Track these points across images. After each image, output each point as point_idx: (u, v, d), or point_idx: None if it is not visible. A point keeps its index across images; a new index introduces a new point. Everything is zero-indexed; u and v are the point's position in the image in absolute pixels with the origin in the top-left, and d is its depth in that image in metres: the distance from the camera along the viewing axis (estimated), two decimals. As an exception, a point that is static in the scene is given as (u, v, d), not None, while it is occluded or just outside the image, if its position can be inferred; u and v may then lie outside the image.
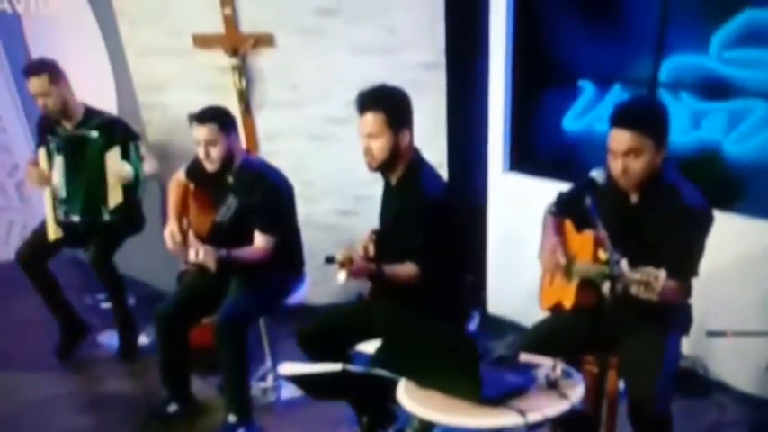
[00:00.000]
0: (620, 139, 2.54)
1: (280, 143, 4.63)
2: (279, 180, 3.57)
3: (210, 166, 3.46)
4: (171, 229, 3.53)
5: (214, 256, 3.27)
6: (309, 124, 4.61)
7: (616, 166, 2.58)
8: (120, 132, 4.15)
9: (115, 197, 4.09)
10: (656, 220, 2.60)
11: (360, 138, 2.98)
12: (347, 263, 2.78)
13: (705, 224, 2.57)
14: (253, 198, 3.44)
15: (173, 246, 3.49)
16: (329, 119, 4.43)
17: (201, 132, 3.40)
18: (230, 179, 3.52)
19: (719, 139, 3.79)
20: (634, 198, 2.69)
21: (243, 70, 4.51)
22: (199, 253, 3.24)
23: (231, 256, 3.35)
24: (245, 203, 3.45)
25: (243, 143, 3.85)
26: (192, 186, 3.66)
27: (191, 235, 3.51)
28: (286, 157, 4.15)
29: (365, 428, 3.13)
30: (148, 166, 4.20)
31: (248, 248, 3.47)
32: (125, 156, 4.10)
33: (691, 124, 3.88)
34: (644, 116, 2.59)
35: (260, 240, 3.48)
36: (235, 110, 4.26)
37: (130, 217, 4.24)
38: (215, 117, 3.41)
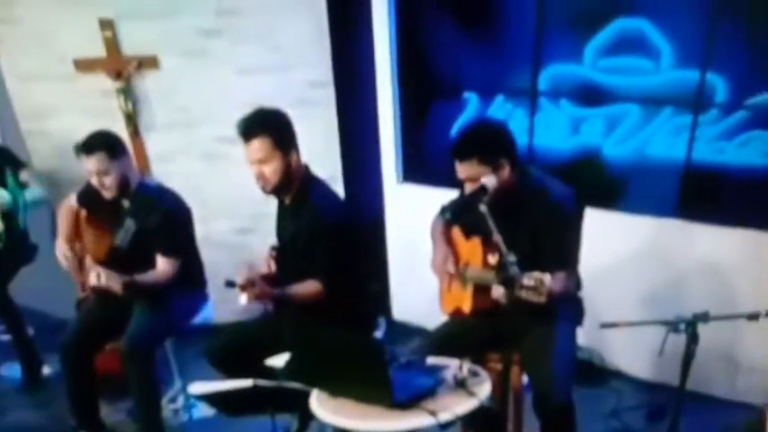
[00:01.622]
0: (460, 170, 2.66)
1: (171, 164, 4.55)
2: (176, 202, 3.51)
3: (108, 194, 3.36)
4: (61, 249, 3.40)
5: (118, 280, 3.19)
6: (200, 144, 4.56)
7: (469, 186, 2.65)
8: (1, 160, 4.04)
9: None
10: (529, 219, 2.68)
11: (249, 165, 2.95)
12: (248, 285, 2.76)
13: (573, 215, 2.68)
14: (151, 221, 3.36)
15: (66, 264, 3.37)
16: (220, 138, 4.39)
17: (91, 163, 3.28)
18: (126, 202, 3.43)
19: (599, 143, 3.95)
20: (510, 202, 2.74)
21: (128, 93, 4.42)
22: (101, 277, 3.15)
23: (136, 281, 3.29)
24: (143, 227, 3.37)
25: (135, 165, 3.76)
26: (83, 212, 3.54)
27: (88, 260, 3.39)
28: (179, 178, 4.07)
29: (296, 430, 3.15)
30: (32, 193, 4.08)
31: (152, 272, 3.41)
32: (2, 183, 3.99)
33: (571, 130, 4.03)
34: (473, 145, 2.66)
35: (162, 264, 3.42)
36: (123, 133, 4.15)
37: (18, 246, 4.12)
38: (102, 145, 3.29)
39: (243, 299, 2.76)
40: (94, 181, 3.33)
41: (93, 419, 3.62)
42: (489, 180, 2.62)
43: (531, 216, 2.68)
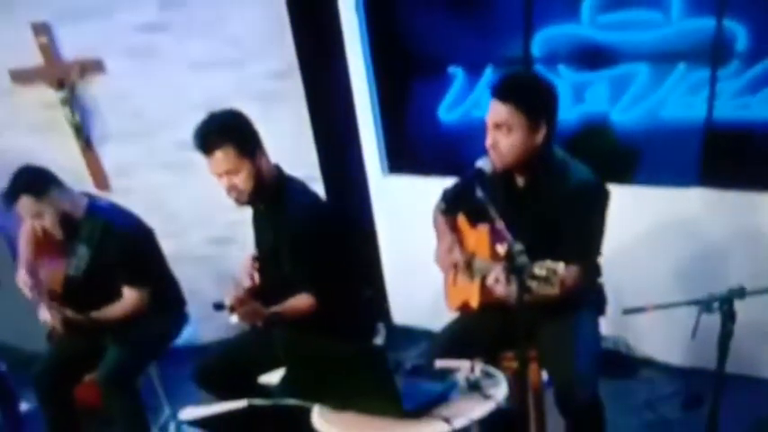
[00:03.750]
0: (493, 110, 2.67)
1: (132, 178, 4.63)
2: (132, 226, 3.57)
3: (55, 234, 3.44)
4: (21, 279, 3.47)
5: (60, 318, 3.31)
6: (161, 153, 4.63)
7: (488, 140, 2.69)
8: None
9: None
10: (547, 203, 2.73)
11: (216, 178, 3.00)
12: (237, 305, 2.83)
13: (599, 201, 2.71)
14: (107, 251, 3.44)
15: (30, 294, 3.44)
16: (181, 144, 4.25)
17: (22, 210, 3.36)
18: (77, 228, 3.49)
19: (605, 110, 4.00)
20: (521, 182, 2.83)
21: (74, 102, 4.50)
22: (43, 315, 3.30)
23: (93, 319, 3.41)
24: (98, 254, 3.45)
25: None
26: (41, 236, 3.58)
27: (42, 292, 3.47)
28: (142, 193, 4.16)
29: None
30: None
31: (117, 305, 3.50)
32: None
33: (573, 98, 4.07)
34: (521, 90, 2.69)
35: (130, 295, 3.51)
36: (73, 146, 4.21)
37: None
38: (25, 188, 3.33)
39: (234, 319, 2.85)
40: (31, 224, 3.40)
41: None
42: (485, 162, 2.67)
43: (549, 201, 2.72)
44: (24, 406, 4.43)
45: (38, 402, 3.65)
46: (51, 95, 4.47)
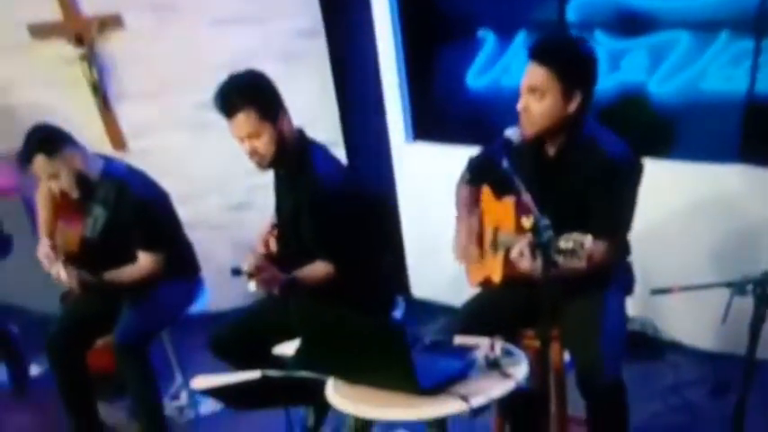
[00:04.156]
0: (528, 73, 2.66)
1: (150, 139, 4.66)
2: (148, 189, 3.61)
3: (71, 194, 3.47)
4: (43, 251, 3.53)
5: (76, 278, 3.36)
6: (180, 114, 4.64)
7: (519, 104, 2.68)
8: None
9: None
10: (577, 176, 2.72)
11: (238, 142, 3.02)
12: (255, 272, 2.85)
13: (632, 176, 2.69)
14: (122, 213, 3.48)
15: (50, 268, 3.48)
16: (201, 105, 4.26)
17: (37, 170, 3.40)
18: (93, 189, 3.53)
19: (642, 80, 3.96)
20: (551, 152, 2.81)
21: (92, 59, 4.51)
22: (60, 274, 3.32)
23: (106, 281, 3.45)
24: (114, 216, 3.50)
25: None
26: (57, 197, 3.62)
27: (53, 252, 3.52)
28: (160, 155, 4.18)
29: (313, 423, 3.26)
30: None
31: (131, 267, 3.56)
32: None
33: (609, 66, 4.02)
34: (559, 54, 2.66)
35: (145, 259, 3.56)
36: (91, 105, 4.23)
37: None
38: (39, 147, 3.36)
39: (252, 286, 2.87)
40: (47, 186, 3.45)
41: (91, 421, 3.80)
42: (513, 132, 2.69)
43: (579, 173, 2.72)
44: (35, 369, 4.54)
45: (49, 366, 3.72)
46: (70, 51, 4.48)
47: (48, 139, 3.38)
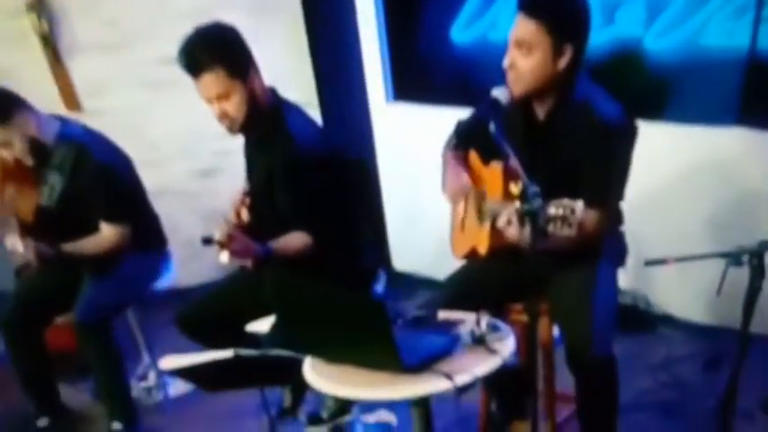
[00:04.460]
0: (516, 26, 2.68)
1: (107, 98, 4.65)
2: (108, 153, 3.62)
3: (25, 162, 3.50)
4: None
5: (34, 251, 3.39)
6: (140, 69, 4.63)
7: (506, 59, 2.71)
8: None
9: None
10: (568, 140, 2.76)
11: (206, 103, 3.03)
12: (228, 241, 2.87)
13: (625, 139, 2.73)
14: (81, 180, 3.50)
15: (5, 240, 3.52)
16: (164, 59, 4.28)
17: None
18: (49, 154, 3.55)
19: (638, 34, 3.98)
20: (541, 114, 2.85)
21: (42, 8, 4.47)
22: (16, 246, 3.36)
23: (65, 252, 3.47)
24: (72, 183, 3.51)
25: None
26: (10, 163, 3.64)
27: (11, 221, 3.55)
28: (119, 115, 4.17)
29: (290, 404, 3.30)
30: None
31: (92, 239, 3.57)
32: None
33: (603, 18, 4.04)
34: (550, 5, 2.68)
35: (107, 230, 3.58)
36: (41, 60, 4.21)
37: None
38: None
39: (224, 257, 2.88)
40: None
41: (52, 404, 3.86)
42: (501, 92, 2.72)
43: (570, 137, 2.76)
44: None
45: (5, 345, 3.75)
46: (16, 0, 4.45)
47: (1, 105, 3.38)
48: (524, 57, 2.68)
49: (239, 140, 3.32)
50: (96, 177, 3.49)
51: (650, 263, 2.72)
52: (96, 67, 4.67)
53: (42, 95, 4.03)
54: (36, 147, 3.47)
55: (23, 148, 3.44)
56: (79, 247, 3.55)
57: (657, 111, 3.97)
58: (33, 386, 3.80)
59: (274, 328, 2.82)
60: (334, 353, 2.48)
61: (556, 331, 2.95)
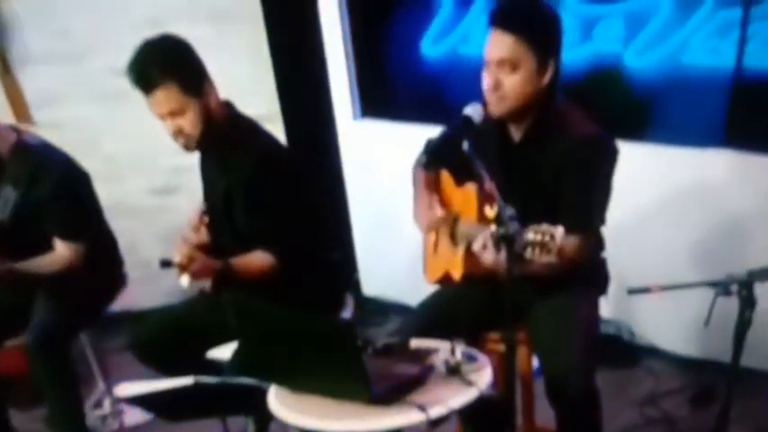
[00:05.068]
0: (495, 43, 2.65)
1: (59, 110, 4.62)
2: (68, 166, 3.58)
3: None
4: None
5: None
6: (94, 80, 4.61)
7: (487, 80, 2.68)
8: None
9: None
10: (546, 161, 2.75)
11: (159, 120, 3.01)
12: (188, 263, 2.86)
13: (605, 160, 2.72)
14: (37, 194, 3.46)
15: None
16: (119, 70, 4.16)
17: None
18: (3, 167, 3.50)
19: (618, 51, 4.00)
20: (516, 135, 2.84)
21: (-10, 18, 4.42)
22: None
23: (15, 270, 3.42)
24: (27, 198, 3.47)
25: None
26: None
27: None
28: (71, 129, 4.14)
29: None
30: None
31: (46, 257, 3.53)
32: None
33: (581, 35, 4.06)
34: (529, 18, 2.68)
35: (62, 249, 3.53)
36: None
37: None
38: None
39: (184, 280, 2.87)
40: None
41: (3, 431, 3.78)
42: (474, 110, 2.67)
43: (547, 159, 2.75)
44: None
45: None
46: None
47: None
48: (509, 75, 2.66)
49: (196, 156, 3.30)
50: (54, 192, 3.46)
51: (633, 291, 2.73)
52: (48, 79, 4.63)
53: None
54: None
55: None
56: (32, 266, 3.50)
57: (638, 131, 3.96)
58: None
59: (236, 354, 2.77)
60: (300, 381, 2.46)
61: (535, 362, 2.92)
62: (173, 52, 2.98)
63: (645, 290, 2.70)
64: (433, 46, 4.55)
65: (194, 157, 3.30)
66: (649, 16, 3.90)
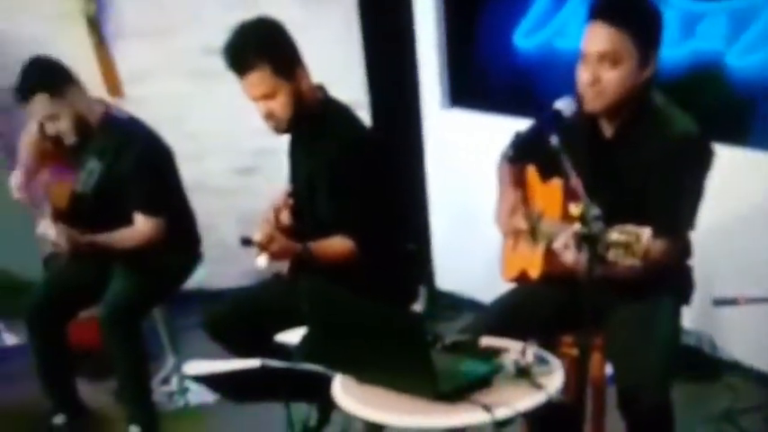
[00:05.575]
0: (596, 36, 2.61)
1: (149, 85, 4.69)
2: (153, 141, 3.65)
3: (66, 140, 3.51)
4: (14, 179, 3.59)
5: (67, 237, 3.39)
6: (185, 57, 4.68)
7: (585, 75, 2.64)
8: None
9: None
10: (637, 159, 2.70)
11: (252, 102, 3.05)
12: (268, 243, 2.89)
13: (700, 162, 2.66)
14: (122, 168, 3.53)
15: (17, 195, 3.56)
16: (210, 49, 4.16)
17: (35, 110, 3.42)
18: (90, 138, 3.57)
19: (720, 50, 3.91)
20: (608, 131, 2.79)
21: (90, -11, 4.48)
22: (48, 232, 3.37)
23: (98, 243, 3.49)
24: (112, 171, 3.54)
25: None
26: (48, 144, 3.65)
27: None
28: (160, 104, 4.21)
29: (315, 423, 3.29)
30: None
31: (126, 231, 3.59)
32: None
33: (682, 32, 4.00)
34: (633, 11, 2.63)
35: (142, 223, 3.60)
36: (85, 43, 4.24)
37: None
38: (42, 84, 3.39)
39: (262, 260, 2.91)
40: (48, 129, 3.47)
41: (70, 401, 3.88)
42: (565, 104, 2.64)
43: (638, 158, 2.70)
44: (10, 339, 4.60)
45: (29, 338, 3.78)
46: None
47: (52, 77, 3.43)
48: (610, 70, 2.61)
49: (281, 139, 3.33)
50: (138, 167, 3.53)
51: (719, 302, 2.69)
52: (141, 54, 4.72)
53: (83, 79, 4.06)
54: (82, 126, 3.49)
55: (70, 124, 3.46)
56: (113, 239, 3.57)
57: (737, 134, 3.87)
58: (51, 382, 3.83)
59: (305, 340, 2.79)
60: (367, 372, 2.46)
61: (609, 369, 2.87)
62: (268, 36, 3.04)
63: (732, 301, 2.67)
64: (526, 38, 4.52)
65: (276, 140, 3.32)
66: (755, 15, 3.81)
